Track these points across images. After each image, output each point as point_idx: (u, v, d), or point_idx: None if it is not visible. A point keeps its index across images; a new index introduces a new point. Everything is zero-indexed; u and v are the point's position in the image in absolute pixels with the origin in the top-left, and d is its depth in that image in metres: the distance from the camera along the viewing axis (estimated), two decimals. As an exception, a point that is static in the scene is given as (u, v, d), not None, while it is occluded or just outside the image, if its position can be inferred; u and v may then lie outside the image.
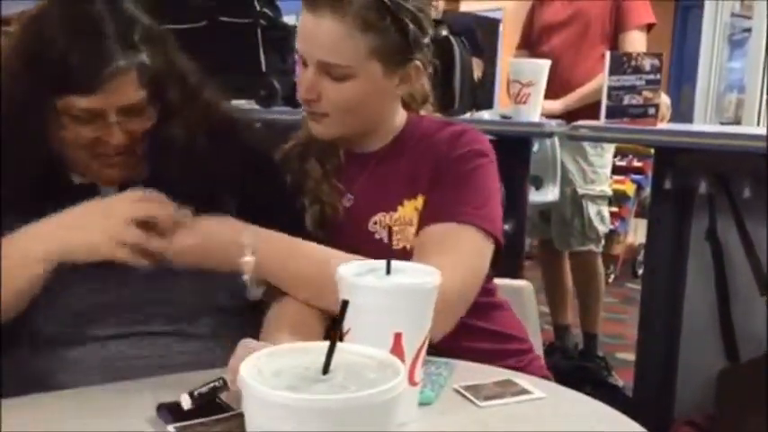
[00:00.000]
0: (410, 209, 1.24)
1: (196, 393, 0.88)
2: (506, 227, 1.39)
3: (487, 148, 1.27)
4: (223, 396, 0.90)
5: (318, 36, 1.18)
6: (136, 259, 1.03)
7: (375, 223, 1.24)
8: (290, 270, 1.12)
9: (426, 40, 1.25)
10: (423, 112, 1.37)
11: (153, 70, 1.08)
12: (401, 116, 1.32)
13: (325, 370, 0.57)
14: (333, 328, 0.60)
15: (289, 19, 2.95)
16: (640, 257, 4.91)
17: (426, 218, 1.21)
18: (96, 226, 1.02)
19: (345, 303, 0.61)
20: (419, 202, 1.24)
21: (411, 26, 1.19)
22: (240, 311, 1.17)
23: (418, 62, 1.24)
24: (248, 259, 1.08)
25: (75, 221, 1.04)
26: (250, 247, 1.08)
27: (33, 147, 1.08)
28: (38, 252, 1.02)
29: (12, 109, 1.07)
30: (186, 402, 0.87)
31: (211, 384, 0.90)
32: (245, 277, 1.09)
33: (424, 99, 1.37)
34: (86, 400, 0.97)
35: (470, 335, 1.22)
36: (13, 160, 1.07)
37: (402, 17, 1.18)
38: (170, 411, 0.87)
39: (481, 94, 3.51)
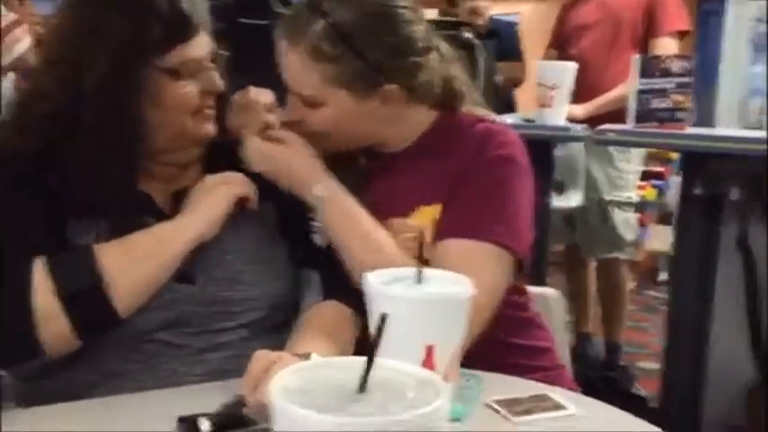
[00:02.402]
0: (426, 217, 1.16)
1: (214, 415, 0.85)
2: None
3: (519, 153, 1.19)
4: (246, 410, 0.87)
5: (283, 65, 1.18)
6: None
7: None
8: (349, 233, 1.13)
9: (414, 60, 1.16)
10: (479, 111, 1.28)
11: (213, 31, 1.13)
12: (426, 115, 1.24)
13: (362, 388, 0.53)
14: (371, 343, 0.56)
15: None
16: (660, 264, 4.84)
17: (446, 229, 1.14)
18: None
19: (384, 317, 0.56)
20: (437, 210, 1.16)
21: (372, 53, 1.13)
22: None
23: (393, 86, 1.15)
24: (319, 197, 1.12)
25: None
26: (322, 195, 1.12)
27: (129, 128, 1.05)
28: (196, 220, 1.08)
29: (106, 86, 1.03)
30: (205, 426, 0.83)
31: (229, 404, 0.88)
32: (317, 223, 1.14)
33: (456, 97, 1.25)
34: (105, 409, 0.95)
35: (503, 350, 1.18)
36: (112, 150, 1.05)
37: (359, 46, 1.13)
38: (189, 428, 0.84)
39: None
